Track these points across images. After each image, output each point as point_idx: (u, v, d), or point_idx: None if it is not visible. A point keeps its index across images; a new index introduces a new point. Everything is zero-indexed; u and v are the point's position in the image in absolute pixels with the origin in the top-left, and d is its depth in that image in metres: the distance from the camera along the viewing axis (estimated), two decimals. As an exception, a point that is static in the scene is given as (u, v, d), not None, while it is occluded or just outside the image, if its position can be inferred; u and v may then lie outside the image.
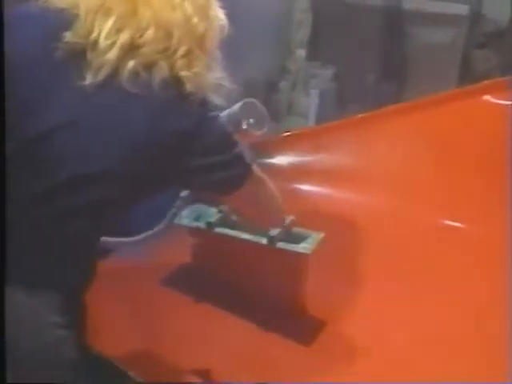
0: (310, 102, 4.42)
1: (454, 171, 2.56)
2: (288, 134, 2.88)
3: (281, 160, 2.81)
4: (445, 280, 2.17)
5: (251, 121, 1.68)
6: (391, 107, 2.78)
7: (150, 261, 2.24)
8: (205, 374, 1.74)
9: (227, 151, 1.44)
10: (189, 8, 1.40)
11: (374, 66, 4.70)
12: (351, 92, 4.59)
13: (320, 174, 2.76)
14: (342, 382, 1.70)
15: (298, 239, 2.01)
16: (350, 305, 2.06)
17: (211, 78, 1.42)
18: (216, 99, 1.42)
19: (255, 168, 1.54)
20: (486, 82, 2.70)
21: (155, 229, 2.19)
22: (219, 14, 1.57)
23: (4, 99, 1.24)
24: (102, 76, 1.31)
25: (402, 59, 4.69)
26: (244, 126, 1.67)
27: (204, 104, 1.38)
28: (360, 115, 2.78)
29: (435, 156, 2.62)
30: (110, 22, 1.34)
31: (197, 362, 1.80)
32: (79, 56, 1.33)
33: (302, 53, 4.60)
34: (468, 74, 4.44)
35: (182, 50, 1.37)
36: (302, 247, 1.96)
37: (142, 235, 2.19)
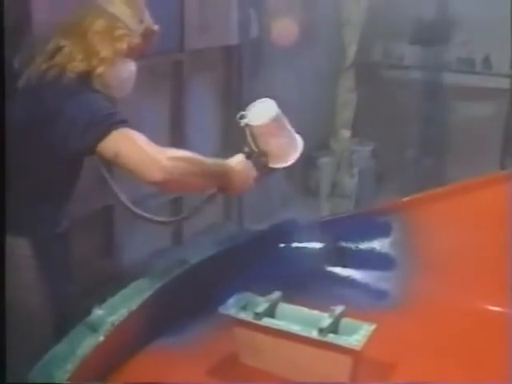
0: (354, 182, 4.39)
1: (504, 255, 2.50)
2: (329, 216, 2.87)
3: (315, 245, 2.79)
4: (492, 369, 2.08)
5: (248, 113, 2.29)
6: (438, 190, 2.76)
7: (196, 350, 2.20)
8: None
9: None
10: None
11: (414, 142, 4.69)
12: (391, 169, 4.57)
13: (357, 257, 2.73)
14: None
15: (349, 331, 1.96)
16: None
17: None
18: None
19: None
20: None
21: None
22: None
23: (4, 99, 1.27)
24: None
25: (442, 134, 4.68)
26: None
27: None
28: (406, 198, 2.76)
29: (484, 239, 2.57)
30: None
31: None
32: None
33: (346, 133, 4.59)
34: (511, 148, 4.42)
35: None
36: (354, 340, 1.91)
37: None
